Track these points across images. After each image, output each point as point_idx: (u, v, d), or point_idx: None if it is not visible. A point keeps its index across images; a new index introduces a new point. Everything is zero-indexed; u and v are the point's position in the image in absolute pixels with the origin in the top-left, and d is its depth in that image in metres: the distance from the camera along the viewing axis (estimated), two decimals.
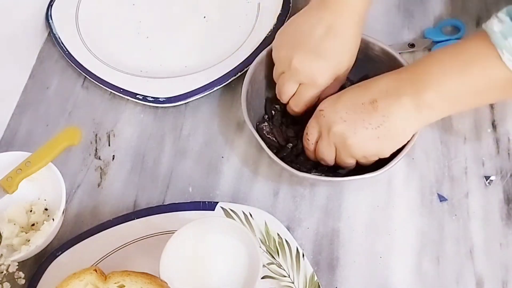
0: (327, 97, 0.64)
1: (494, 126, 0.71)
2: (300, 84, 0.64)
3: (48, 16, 0.81)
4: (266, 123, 0.69)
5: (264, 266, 0.60)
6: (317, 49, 0.62)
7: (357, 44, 0.64)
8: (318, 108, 0.63)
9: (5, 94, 0.74)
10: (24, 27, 0.78)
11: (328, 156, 0.63)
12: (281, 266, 0.61)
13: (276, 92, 0.67)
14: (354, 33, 0.63)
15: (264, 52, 0.68)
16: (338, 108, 0.60)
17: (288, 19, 0.77)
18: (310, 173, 0.65)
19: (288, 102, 0.67)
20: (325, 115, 0.61)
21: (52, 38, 0.79)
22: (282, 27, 0.67)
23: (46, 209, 0.65)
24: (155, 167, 0.70)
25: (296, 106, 0.66)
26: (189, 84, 0.73)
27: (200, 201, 0.65)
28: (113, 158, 0.71)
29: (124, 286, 0.54)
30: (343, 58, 0.63)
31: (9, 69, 0.74)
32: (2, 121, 0.73)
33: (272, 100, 0.71)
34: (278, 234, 0.63)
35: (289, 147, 0.68)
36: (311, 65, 0.62)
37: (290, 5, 0.79)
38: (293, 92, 0.65)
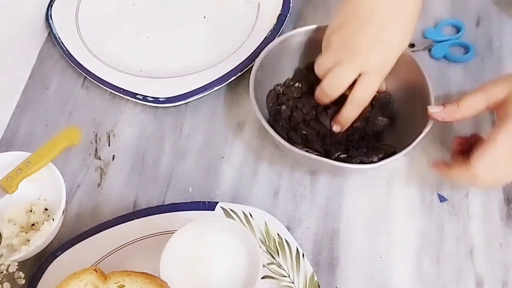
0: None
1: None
2: (362, 74, 0.62)
3: (48, 16, 0.81)
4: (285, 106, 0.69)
5: (264, 266, 0.60)
6: (379, 37, 0.60)
7: (414, 24, 0.62)
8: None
9: (5, 94, 0.74)
10: (24, 27, 0.78)
11: None
12: (281, 266, 0.61)
13: (327, 86, 0.64)
14: (413, 13, 0.62)
15: (274, 42, 0.69)
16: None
17: (288, 19, 0.78)
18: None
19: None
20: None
21: (52, 38, 0.79)
22: (337, 11, 0.63)
23: (46, 209, 0.65)
24: (155, 167, 0.70)
25: (360, 99, 0.63)
26: (189, 84, 0.73)
27: (200, 201, 0.65)
28: (113, 158, 0.71)
29: (124, 286, 0.54)
30: (404, 42, 0.62)
31: (9, 69, 0.74)
32: (2, 121, 0.73)
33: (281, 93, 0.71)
34: (278, 234, 0.63)
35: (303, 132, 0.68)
36: (375, 55, 0.60)
37: (290, 5, 0.79)
38: (350, 83, 0.63)
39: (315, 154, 0.63)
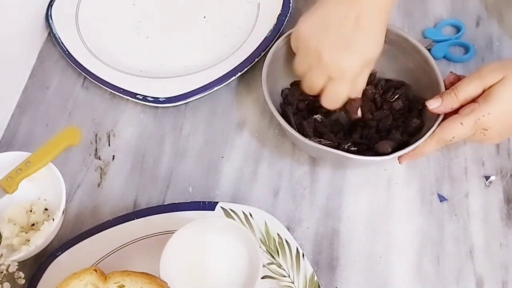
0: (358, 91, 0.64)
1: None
2: (330, 79, 0.63)
3: (48, 16, 0.81)
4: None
5: (264, 266, 0.60)
6: (347, 43, 0.61)
7: (383, 36, 0.63)
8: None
9: (5, 94, 0.74)
10: (24, 27, 0.77)
11: None
12: (281, 266, 0.61)
13: (304, 87, 0.66)
14: (382, 25, 0.62)
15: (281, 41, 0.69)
16: None
17: (288, 19, 0.78)
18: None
19: (317, 97, 0.66)
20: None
21: (52, 38, 0.79)
22: (307, 14, 0.64)
23: (46, 209, 0.65)
24: (155, 167, 0.70)
25: (331, 103, 0.65)
26: (189, 84, 0.73)
27: (200, 201, 0.65)
28: (113, 158, 0.71)
29: (124, 286, 0.54)
30: (372, 50, 0.62)
31: (9, 69, 0.74)
32: (2, 121, 0.73)
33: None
34: (278, 234, 0.63)
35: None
36: (342, 59, 0.61)
37: (290, 5, 0.79)
38: (322, 86, 0.64)
39: (328, 146, 0.63)
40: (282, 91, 0.72)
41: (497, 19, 0.81)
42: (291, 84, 0.72)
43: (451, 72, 0.66)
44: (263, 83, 0.65)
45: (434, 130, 0.62)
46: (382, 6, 0.62)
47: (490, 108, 0.59)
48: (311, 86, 0.65)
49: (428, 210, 0.66)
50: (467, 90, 0.61)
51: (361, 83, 0.65)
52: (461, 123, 0.60)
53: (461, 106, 0.61)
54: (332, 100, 0.65)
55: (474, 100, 0.60)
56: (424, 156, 0.63)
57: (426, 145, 0.62)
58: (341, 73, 0.62)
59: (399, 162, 0.64)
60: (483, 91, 0.60)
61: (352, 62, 0.62)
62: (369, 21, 0.61)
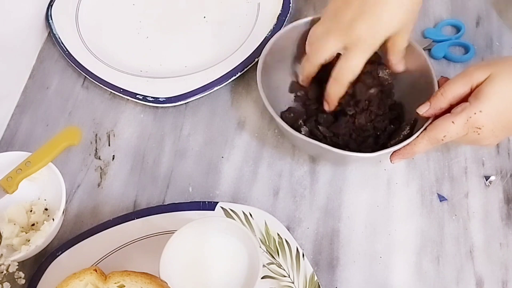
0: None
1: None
2: (345, 48, 0.62)
3: (48, 16, 0.81)
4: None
5: (264, 266, 0.60)
6: (370, 11, 0.60)
7: (415, 7, 0.62)
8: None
9: (5, 94, 0.74)
10: (24, 27, 0.77)
11: None
12: (281, 266, 0.61)
13: (311, 53, 0.64)
14: None
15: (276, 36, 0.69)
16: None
17: (288, 19, 0.78)
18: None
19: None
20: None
21: (52, 38, 0.79)
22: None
23: (46, 209, 0.65)
24: (155, 167, 0.70)
25: (341, 78, 0.63)
26: (189, 84, 0.73)
27: (200, 201, 0.65)
28: (113, 158, 0.71)
29: (124, 286, 0.54)
30: (396, 21, 0.61)
31: (9, 69, 0.74)
32: (2, 121, 0.73)
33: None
34: (278, 234, 0.63)
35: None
36: (363, 30, 0.60)
37: (290, 5, 0.79)
38: (331, 55, 0.63)
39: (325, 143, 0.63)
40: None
41: (498, 16, 0.81)
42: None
43: (442, 76, 0.66)
44: (258, 84, 0.65)
45: (425, 128, 0.61)
46: None
47: (481, 105, 0.58)
48: (320, 53, 0.63)
49: (428, 210, 0.66)
50: (454, 89, 0.60)
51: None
52: (452, 122, 0.59)
53: (452, 107, 0.61)
54: (343, 73, 0.63)
55: (466, 100, 0.60)
56: (415, 154, 0.63)
57: (417, 143, 0.61)
58: (358, 42, 0.61)
59: (391, 161, 0.63)
60: (471, 90, 0.60)
61: (371, 31, 0.60)
62: None
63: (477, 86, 0.59)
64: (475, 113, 0.58)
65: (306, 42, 0.66)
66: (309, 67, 0.66)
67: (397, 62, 0.67)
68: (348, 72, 0.63)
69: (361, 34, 0.61)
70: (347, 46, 0.62)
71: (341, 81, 0.64)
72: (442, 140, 0.60)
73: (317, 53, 0.64)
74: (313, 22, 0.69)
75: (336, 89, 0.65)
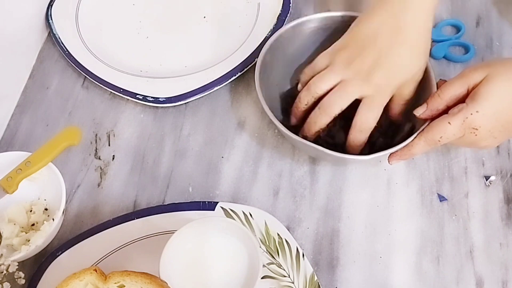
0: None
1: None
2: (362, 97, 0.62)
3: (48, 16, 0.81)
4: None
5: (264, 266, 0.60)
6: (383, 61, 0.60)
7: (425, 50, 0.62)
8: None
9: (5, 94, 0.74)
10: (24, 27, 0.77)
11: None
12: (281, 266, 0.61)
13: (328, 99, 0.62)
14: (421, 40, 0.61)
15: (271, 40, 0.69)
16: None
17: (288, 19, 0.78)
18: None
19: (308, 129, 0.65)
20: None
21: (52, 38, 0.79)
22: (347, 32, 0.64)
23: (46, 209, 0.65)
24: (155, 167, 0.70)
25: (363, 124, 0.63)
26: (189, 84, 0.73)
27: (200, 201, 0.65)
28: (113, 158, 0.71)
29: (124, 286, 0.54)
30: (410, 68, 0.62)
31: (9, 69, 0.74)
32: (2, 121, 0.73)
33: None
34: (278, 234, 0.63)
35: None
36: (380, 79, 0.60)
37: (290, 5, 0.79)
38: (329, 87, 0.62)
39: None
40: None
41: (498, 16, 0.81)
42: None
43: (441, 79, 0.66)
44: (256, 86, 0.65)
45: (422, 130, 0.61)
46: (423, 10, 0.61)
47: (478, 106, 0.58)
48: (340, 100, 0.62)
49: (428, 210, 0.66)
50: (451, 90, 0.61)
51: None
52: (449, 122, 0.59)
53: (449, 108, 0.61)
54: (366, 121, 0.62)
55: (463, 102, 0.60)
56: (413, 156, 0.63)
57: (415, 145, 0.61)
58: (375, 92, 0.61)
59: (389, 162, 0.63)
60: (468, 91, 0.60)
61: (387, 81, 0.61)
62: (401, 39, 0.60)
63: (474, 87, 0.59)
64: (471, 114, 0.58)
65: (310, 82, 0.64)
66: (321, 120, 0.64)
67: (398, 113, 0.67)
68: (371, 121, 0.63)
69: (380, 83, 0.61)
70: (366, 95, 0.62)
71: (365, 130, 0.64)
72: (439, 141, 0.60)
73: (335, 104, 0.62)
74: (313, 22, 0.69)
75: (361, 138, 0.64)
